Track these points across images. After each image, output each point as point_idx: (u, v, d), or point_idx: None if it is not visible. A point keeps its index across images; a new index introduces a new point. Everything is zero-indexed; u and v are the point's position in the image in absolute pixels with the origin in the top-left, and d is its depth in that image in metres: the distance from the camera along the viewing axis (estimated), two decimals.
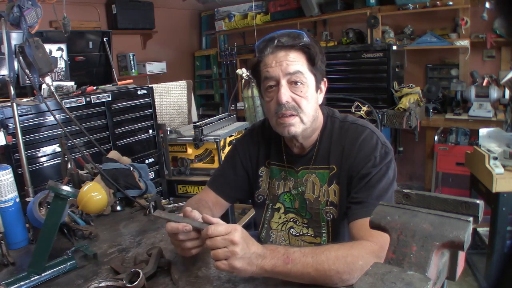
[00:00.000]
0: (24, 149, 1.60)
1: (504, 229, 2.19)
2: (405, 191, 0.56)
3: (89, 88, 2.43)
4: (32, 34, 1.39)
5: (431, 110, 3.58)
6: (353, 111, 3.17)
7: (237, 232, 0.87)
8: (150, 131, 2.78)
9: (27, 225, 1.26)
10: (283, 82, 1.07)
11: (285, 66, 1.07)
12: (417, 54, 3.96)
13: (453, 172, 3.55)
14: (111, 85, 2.72)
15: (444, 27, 3.83)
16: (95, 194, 1.37)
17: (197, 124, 2.75)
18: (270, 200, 1.26)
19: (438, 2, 3.59)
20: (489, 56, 3.71)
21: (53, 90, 1.46)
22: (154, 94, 2.82)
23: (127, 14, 4.17)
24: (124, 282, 0.91)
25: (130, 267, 1.00)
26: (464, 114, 3.44)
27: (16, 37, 2.05)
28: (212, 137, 2.65)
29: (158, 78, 4.37)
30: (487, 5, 3.16)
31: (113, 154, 1.63)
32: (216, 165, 2.72)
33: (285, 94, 1.07)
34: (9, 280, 0.96)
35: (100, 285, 0.93)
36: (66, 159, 1.54)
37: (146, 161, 2.70)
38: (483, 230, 2.71)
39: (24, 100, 1.98)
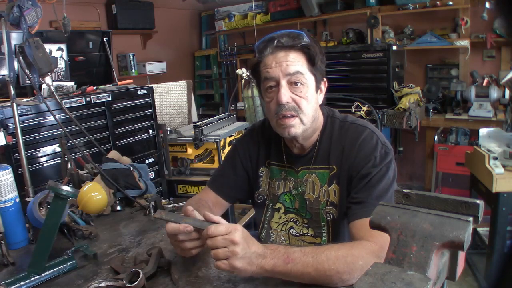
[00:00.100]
0: (24, 149, 1.60)
1: (504, 229, 2.19)
2: (405, 191, 0.56)
3: (89, 88, 2.43)
4: (32, 34, 1.39)
5: (431, 110, 3.58)
6: (353, 111, 3.17)
7: (238, 231, 0.87)
8: (150, 131, 2.78)
9: (27, 225, 1.26)
10: (283, 82, 1.07)
11: (285, 66, 1.07)
12: (417, 54, 3.96)
13: (453, 172, 3.56)
14: (111, 85, 2.72)
15: (444, 27, 3.83)
16: (95, 194, 1.37)
17: (197, 124, 2.75)
18: (270, 200, 1.26)
19: (438, 2, 3.59)
20: (489, 56, 3.71)
21: (53, 90, 1.46)
22: (154, 94, 2.82)
23: (127, 14, 4.17)
24: (124, 282, 0.91)
25: (130, 267, 1.00)
26: (464, 114, 3.44)
27: (16, 37, 2.05)
28: (212, 137, 2.65)
29: (158, 78, 4.37)
30: (487, 5, 3.16)
31: (113, 154, 1.63)
32: (216, 165, 2.73)
33: (285, 94, 1.07)
34: (9, 280, 0.96)
35: (100, 285, 0.93)
36: (66, 159, 1.54)
37: (146, 161, 2.70)
38: (483, 230, 2.71)
39: (24, 100, 1.98)
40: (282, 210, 1.24)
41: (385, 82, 3.35)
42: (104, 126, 2.45)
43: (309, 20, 4.50)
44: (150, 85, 2.86)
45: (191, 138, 2.72)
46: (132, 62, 4.33)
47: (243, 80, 3.27)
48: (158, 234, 1.27)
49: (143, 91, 2.70)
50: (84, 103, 2.31)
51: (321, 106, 1.19)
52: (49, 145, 2.14)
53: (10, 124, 1.91)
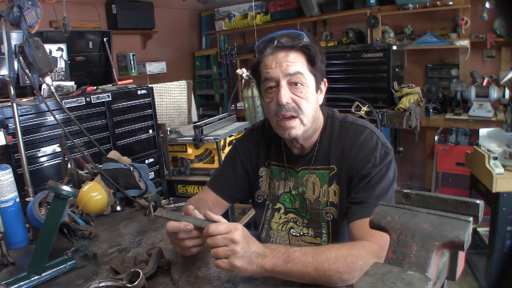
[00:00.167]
0: (24, 149, 1.60)
1: (504, 229, 2.19)
2: (405, 191, 0.56)
3: (89, 88, 2.43)
4: (32, 34, 1.39)
5: (431, 110, 3.58)
6: (353, 111, 3.17)
7: (238, 231, 0.87)
8: (150, 131, 2.78)
9: (27, 225, 1.26)
10: (283, 83, 1.07)
11: (285, 67, 1.07)
12: (417, 54, 3.96)
13: (453, 172, 3.56)
14: (111, 85, 2.72)
15: (444, 27, 3.83)
16: (95, 194, 1.37)
17: (197, 124, 2.75)
18: (270, 201, 1.26)
19: (438, 2, 3.59)
20: (489, 56, 3.71)
21: (53, 90, 1.46)
22: (154, 94, 2.82)
23: (127, 14, 4.17)
24: (124, 282, 0.91)
25: (130, 267, 1.00)
26: (464, 114, 3.44)
27: (16, 37, 2.05)
28: (212, 137, 2.65)
29: (158, 78, 4.37)
30: (487, 5, 3.16)
31: (113, 154, 1.63)
32: (216, 165, 2.73)
33: (285, 95, 1.07)
34: (9, 280, 0.96)
35: (100, 285, 0.93)
36: (66, 159, 1.54)
37: (146, 161, 2.70)
38: (483, 230, 2.71)
39: (24, 100, 1.98)
40: (282, 210, 1.24)
41: (385, 82, 3.34)
42: (104, 126, 2.45)
43: (309, 20, 4.50)
44: (150, 85, 2.86)
45: (191, 138, 2.72)
46: (132, 62, 4.33)
47: (243, 80, 3.27)
48: (158, 234, 1.27)
49: (143, 91, 2.70)
50: (84, 103, 2.31)
51: (321, 106, 1.19)
52: (49, 145, 2.14)
53: (10, 124, 1.91)
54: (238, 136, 2.76)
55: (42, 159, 2.12)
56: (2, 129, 1.81)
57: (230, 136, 2.85)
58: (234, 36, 5.31)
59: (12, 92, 1.49)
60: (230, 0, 4.84)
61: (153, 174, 2.73)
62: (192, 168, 2.81)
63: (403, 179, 4.31)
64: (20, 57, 1.40)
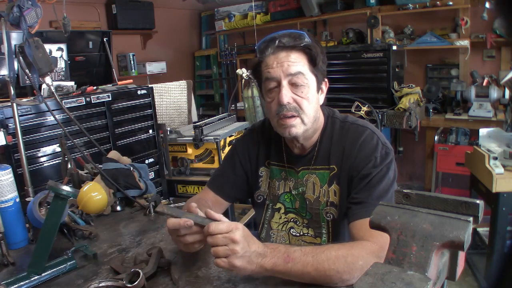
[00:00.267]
0: (24, 149, 1.60)
1: (504, 229, 2.19)
2: (405, 191, 0.56)
3: (89, 88, 2.43)
4: (32, 34, 1.39)
5: (431, 110, 3.58)
6: (353, 111, 3.17)
7: (239, 230, 0.87)
8: (150, 131, 2.78)
9: (27, 225, 1.26)
10: (284, 83, 1.07)
11: (286, 67, 1.07)
12: (417, 54, 3.96)
13: (453, 172, 3.55)
14: (111, 85, 2.72)
15: (444, 27, 3.83)
16: (95, 194, 1.37)
17: (197, 124, 2.75)
18: (270, 200, 1.26)
19: (438, 2, 3.59)
20: (489, 56, 3.71)
21: (53, 90, 1.46)
22: (154, 94, 2.82)
23: (127, 14, 4.17)
24: (124, 282, 0.91)
25: (130, 267, 1.00)
26: (464, 114, 3.44)
27: (16, 37, 2.05)
28: (212, 137, 2.65)
29: (158, 78, 4.37)
30: (487, 5, 3.16)
31: (113, 154, 1.63)
32: (216, 165, 2.73)
33: (286, 95, 1.07)
34: (9, 280, 0.96)
35: (100, 285, 0.93)
36: (66, 159, 1.54)
37: (146, 161, 2.70)
38: (483, 230, 2.71)
39: (24, 100, 1.98)
40: (282, 210, 1.24)
41: (385, 82, 3.34)
42: (104, 126, 2.45)
43: (309, 20, 4.50)
44: (150, 85, 2.86)
45: (191, 138, 2.72)
46: (132, 62, 4.33)
47: (243, 80, 3.27)
48: (158, 234, 1.27)
49: (143, 91, 2.70)
50: (84, 103, 2.31)
51: (321, 106, 1.19)
52: (49, 145, 2.14)
53: (10, 124, 1.91)
54: (238, 136, 2.76)
55: (42, 159, 2.12)
56: (2, 129, 1.81)
57: (230, 136, 2.85)
58: (234, 36, 5.31)
59: (12, 92, 1.49)
60: (230, 0, 4.84)
61: (153, 174, 2.73)
62: (192, 168, 2.81)
63: (403, 179, 4.31)
64: (20, 57, 1.40)
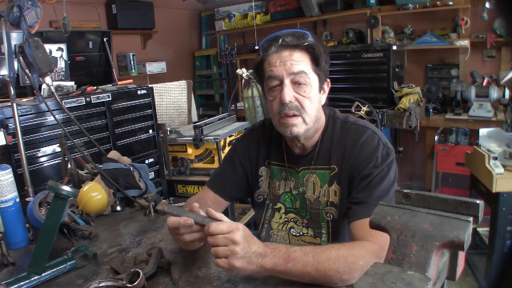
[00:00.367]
0: (24, 149, 1.60)
1: (504, 229, 2.19)
2: (405, 191, 0.56)
3: (89, 88, 2.43)
4: (32, 34, 1.39)
5: (431, 110, 3.58)
6: (353, 111, 3.17)
7: (239, 231, 0.87)
8: (150, 131, 2.78)
9: (27, 225, 1.26)
10: (287, 81, 1.07)
11: (289, 65, 1.07)
12: (417, 54, 3.96)
13: (453, 172, 3.55)
14: (111, 85, 2.72)
15: (444, 27, 3.83)
16: (95, 194, 1.37)
17: (197, 124, 2.75)
18: (270, 200, 1.26)
19: (438, 2, 3.59)
20: (489, 56, 3.71)
21: (53, 90, 1.46)
22: (154, 94, 2.82)
23: (127, 14, 4.17)
24: (124, 282, 0.91)
25: (130, 267, 1.00)
26: (464, 114, 3.44)
27: (16, 37, 2.05)
28: (212, 137, 2.65)
29: (158, 78, 4.37)
30: (487, 5, 3.16)
31: (113, 154, 1.63)
32: (216, 165, 2.73)
33: (289, 94, 1.07)
34: (9, 280, 0.96)
35: (100, 285, 0.93)
36: (66, 159, 1.54)
37: (146, 161, 2.70)
38: (483, 230, 2.71)
39: (24, 100, 1.98)
40: (282, 210, 1.24)
41: (385, 82, 3.34)
42: (104, 126, 2.45)
43: (309, 20, 4.50)
44: (150, 85, 2.86)
45: (191, 138, 2.72)
46: (132, 62, 4.33)
47: (243, 80, 3.27)
48: (158, 234, 1.27)
49: (143, 91, 2.70)
50: (84, 103, 2.31)
51: (323, 106, 1.19)
52: (49, 145, 2.14)
53: (10, 124, 1.91)
54: (238, 136, 2.76)
55: (42, 159, 2.12)
56: (2, 129, 1.81)
57: (230, 136, 2.85)
58: (234, 36, 5.31)
59: (12, 92, 1.49)
60: (230, 0, 4.84)
61: (153, 174, 2.73)
62: (192, 168, 2.81)
63: (403, 179, 4.31)
64: (20, 57, 1.40)
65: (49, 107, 1.61)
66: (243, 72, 3.18)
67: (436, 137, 3.60)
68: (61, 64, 2.64)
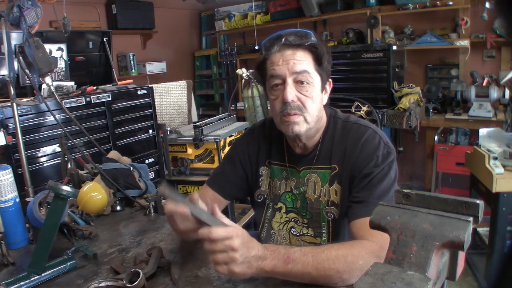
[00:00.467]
0: (24, 149, 1.60)
1: (504, 229, 2.19)
2: (405, 191, 0.56)
3: (89, 88, 2.43)
4: (32, 34, 1.39)
5: (431, 110, 3.58)
6: (353, 111, 3.17)
7: (238, 237, 0.85)
8: (150, 131, 2.78)
9: (27, 225, 1.26)
10: (289, 80, 1.07)
11: (292, 65, 1.07)
12: (417, 54, 3.96)
13: (453, 172, 3.55)
14: (111, 85, 2.72)
15: (444, 27, 3.83)
16: (95, 194, 1.37)
17: (197, 124, 2.75)
18: (271, 200, 1.26)
19: (438, 2, 3.59)
20: (489, 56, 3.71)
21: (53, 90, 1.46)
22: (154, 94, 2.82)
23: (127, 14, 4.17)
24: (124, 282, 0.91)
25: (130, 267, 1.00)
26: (464, 114, 3.44)
27: (16, 37, 2.05)
28: (212, 137, 2.65)
29: (158, 78, 4.37)
30: (487, 5, 3.16)
31: (113, 154, 1.63)
32: (216, 165, 2.72)
33: (291, 93, 1.07)
34: (9, 280, 0.96)
35: (100, 285, 0.93)
36: (66, 159, 1.54)
37: (146, 161, 2.70)
38: (483, 230, 2.71)
39: (24, 100, 1.99)
40: (283, 210, 1.24)
41: (385, 82, 3.34)
42: (104, 126, 2.45)
43: (309, 20, 4.50)
44: (150, 85, 2.87)
45: (191, 138, 2.72)
46: (132, 62, 4.33)
47: (243, 80, 3.27)
48: (158, 234, 1.27)
49: (143, 91, 2.70)
50: (84, 103, 2.31)
51: (324, 106, 1.19)
52: (49, 145, 2.14)
53: (10, 124, 1.91)
54: (238, 136, 2.76)
55: (42, 159, 2.12)
56: (2, 129, 1.81)
57: (230, 136, 2.85)
58: (234, 36, 5.31)
59: (12, 92, 1.49)
60: (230, 0, 4.84)
61: (153, 174, 2.73)
62: (192, 168, 2.81)
63: (403, 179, 4.31)
64: (20, 57, 1.40)
65: (49, 107, 1.61)
66: (243, 72, 3.18)
67: (436, 137, 3.60)
68: (61, 64, 2.64)
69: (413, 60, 3.98)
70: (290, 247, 0.93)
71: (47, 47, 2.01)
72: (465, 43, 3.58)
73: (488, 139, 2.42)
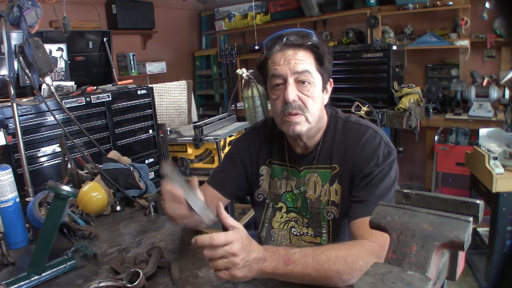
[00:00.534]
0: (24, 149, 1.60)
1: (504, 229, 2.19)
2: (405, 191, 0.56)
3: (89, 88, 2.43)
4: (32, 34, 1.39)
5: (431, 110, 3.58)
6: (353, 111, 3.17)
7: (237, 242, 0.84)
8: (150, 131, 2.78)
9: (27, 225, 1.26)
10: (291, 80, 1.07)
11: (293, 64, 1.07)
12: (417, 54, 3.96)
13: (453, 172, 3.55)
14: (111, 85, 2.72)
15: (444, 27, 3.83)
16: (95, 194, 1.37)
17: (197, 124, 2.75)
18: (271, 199, 1.26)
19: (438, 2, 3.59)
20: (489, 56, 3.71)
21: (53, 90, 1.46)
22: (154, 94, 2.82)
23: (127, 14, 4.17)
24: (124, 282, 0.91)
25: (130, 267, 1.00)
26: (464, 114, 3.44)
27: (16, 37, 2.05)
28: (212, 137, 2.65)
29: (158, 78, 4.37)
30: (487, 5, 3.16)
31: (113, 154, 1.63)
32: (216, 165, 2.73)
33: (292, 92, 1.07)
34: (9, 280, 0.96)
35: (100, 285, 0.93)
36: (66, 159, 1.54)
37: (146, 161, 2.70)
38: (483, 230, 2.71)
39: (24, 100, 1.99)
40: (284, 209, 1.24)
41: (385, 82, 3.34)
42: (104, 126, 2.45)
43: (309, 20, 4.50)
44: (150, 85, 2.87)
45: (191, 138, 2.72)
46: (132, 62, 4.33)
47: (243, 80, 3.27)
48: (158, 234, 1.27)
49: (143, 91, 2.70)
50: (84, 103, 2.31)
51: (325, 106, 1.19)
52: (49, 145, 2.14)
53: (10, 124, 1.91)
54: (238, 136, 2.76)
55: (42, 159, 2.12)
56: (2, 129, 1.81)
57: (230, 136, 2.86)
58: (234, 36, 5.31)
59: (12, 92, 1.49)
60: (230, 0, 4.84)
61: (153, 174, 2.73)
62: (192, 168, 2.81)
63: (403, 179, 4.31)
64: (20, 57, 1.40)
65: (49, 107, 1.61)
66: (243, 72, 3.19)
67: (436, 137, 3.60)
68: (61, 64, 2.64)
69: (413, 60, 3.98)
70: (290, 248, 0.93)
71: (47, 47, 2.01)
72: (465, 43, 3.58)
73: (488, 139, 2.42)
